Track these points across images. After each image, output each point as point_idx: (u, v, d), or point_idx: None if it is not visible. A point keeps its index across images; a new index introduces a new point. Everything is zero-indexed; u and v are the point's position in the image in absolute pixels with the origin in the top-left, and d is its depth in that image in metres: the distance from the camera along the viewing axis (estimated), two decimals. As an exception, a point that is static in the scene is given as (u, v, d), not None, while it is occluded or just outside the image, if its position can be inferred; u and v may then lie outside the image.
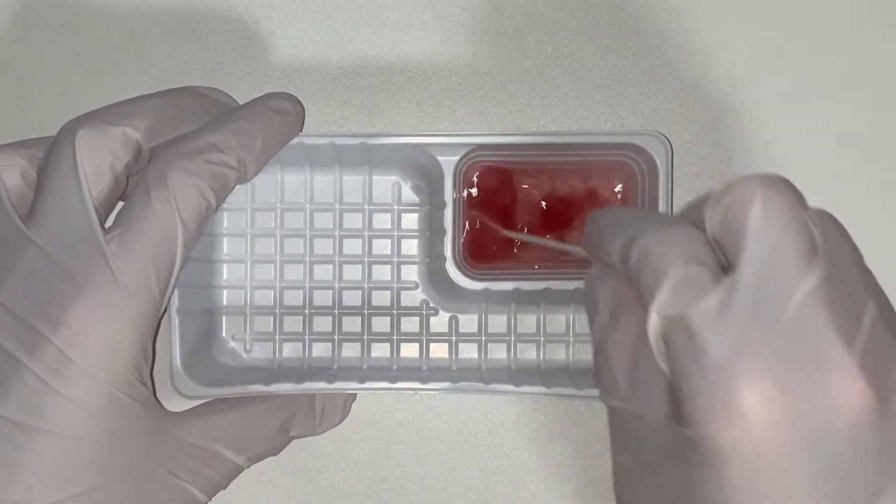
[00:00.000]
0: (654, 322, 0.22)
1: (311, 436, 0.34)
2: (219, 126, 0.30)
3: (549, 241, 0.34)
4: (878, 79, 0.36)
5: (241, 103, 0.33)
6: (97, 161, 0.28)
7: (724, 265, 0.22)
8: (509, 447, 0.36)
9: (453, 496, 0.36)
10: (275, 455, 0.33)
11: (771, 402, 0.20)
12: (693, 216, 0.24)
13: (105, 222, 0.29)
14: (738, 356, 0.21)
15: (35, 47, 0.36)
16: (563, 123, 0.36)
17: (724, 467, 0.21)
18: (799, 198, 0.22)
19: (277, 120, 0.32)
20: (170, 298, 0.29)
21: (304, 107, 0.36)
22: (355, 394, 0.35)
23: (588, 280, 0.27)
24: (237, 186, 0.31)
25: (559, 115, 0.36)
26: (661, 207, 0.33)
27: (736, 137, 0.36)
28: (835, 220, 0.23)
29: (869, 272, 0.23)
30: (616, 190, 0.35)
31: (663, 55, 0.36)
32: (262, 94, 0.34)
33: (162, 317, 0.29)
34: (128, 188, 0.30)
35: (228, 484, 0.32)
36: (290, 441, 0.34)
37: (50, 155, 0.29)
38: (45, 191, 0.28)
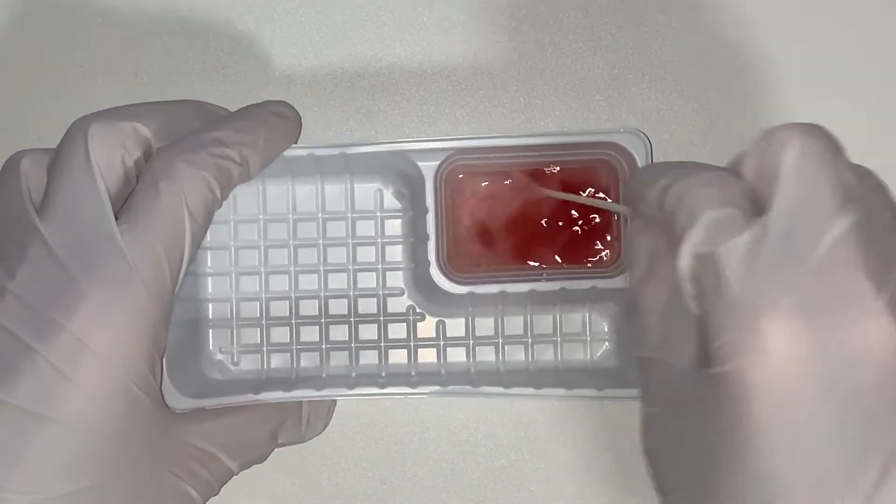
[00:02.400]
0: (685, 260, 0.22)
1: (297, 443, 0.34)
2: (222, 124, 0.30)
3: (589, 200, 0.33)
4: (881, 80, 0.36)
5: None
6: (109, 154, 0.28)
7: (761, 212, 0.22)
8: (509, 447, 0.36)
9: (453, 496, 0.36)
10: (260, 462, 0.33)
11: (797, 338, 0.20)
12: (733, 166, 0.24)
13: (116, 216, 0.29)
14: (765, 293, 0.21)
15: (35, 47, 0.36)
16: (563, 123, 0.36)
17: (748, 404, 0.21)
18: (836, 145, 0.22)
19: (277, 122, 0.32)
20: (179, 291, 0.29)
21: (305, 107, 0.36)
22: (335, 401, 0.35)
23: (628, 234, 0.28)
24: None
25: (559, 115, 0.36)
26: None
27: (736, 138, 0.36)
28: (874, 175, 0.23)
29: None
30: (596, 188, 0.35)
31: (663, 55, 0.36)
32: (263, 94, 0.35)
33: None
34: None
35: (220, 489, 0.32)
36: (275, 448, 0.33)
37: (62, 149, 0.29)
38: (57, 182, 0.28)
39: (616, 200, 0.34)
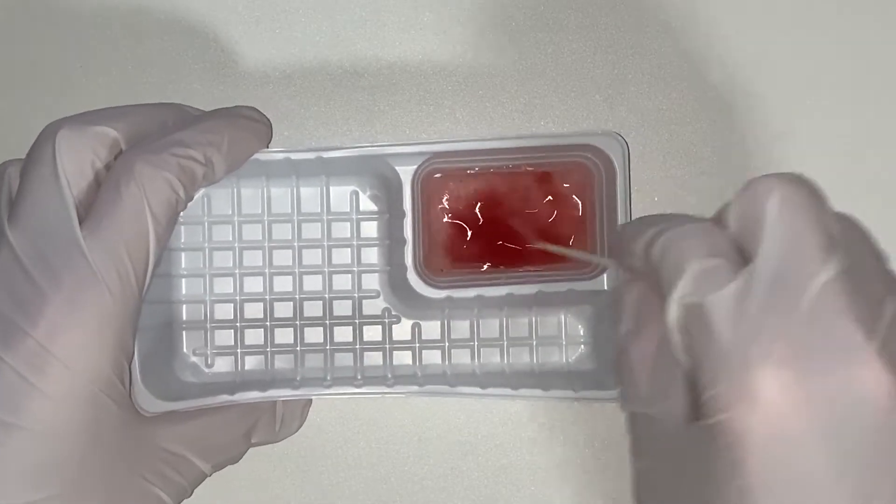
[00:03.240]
0: (673, 312, 0.22)
1: (271, 443, 0.34)
2: (185, 125, 0.30)
3: (577, 253, 0.34)
4: (882, 79, 0.36)
5: (242, 104, 0.34)
6: (78, 159, 0.28)
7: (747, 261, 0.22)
8: (509, 447, 0.36)
9: (453, 496, 0.36)
10: (234, 463, 0.33)
11: (789, 387, 0.20)
12: (717, 218, 0.24)
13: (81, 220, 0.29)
14: (755, 343, 0.21)
15: (35, 47, 0.36)
16: (563, 123, 0.36)
17: (742, 454, 0.20)
18: (817, 194, 0.22)
19: (243, 123, 0.32)
20: (146, 294, 0.29)
21: (305, 107, 0.36)
22: (311, 400, 0.35)
23: (615, 289, 0.27)
24: (193, 200, 0.31)
25: (559, 115, 0.36)
26: (620, 206, 0.33)
27: (736, 138, 0.36)
28: (857, 221, 0.23)
29: (893, 272, 0.23)
30: (574, 191, 0.35)
31: (663, 55, 0.36)
32: (263, 94, 0.35)
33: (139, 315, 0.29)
34: None
35: (192, 492, 0.32)
36: (249, 449, 0.33)
37: (31, 155, 0.29)
38: (25, 188, 0.28)
39: (592, 204, 0.34)
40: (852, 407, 0.20)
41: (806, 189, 0.22)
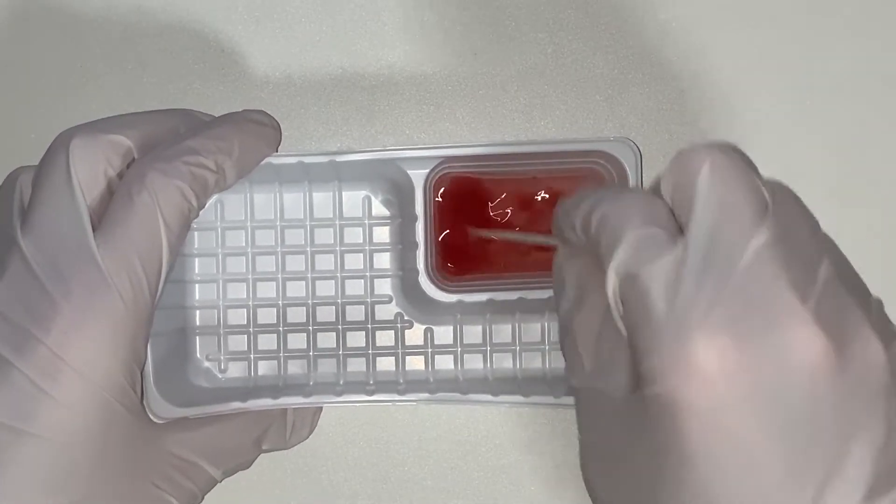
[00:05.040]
0: (612, 282, 0.23)
1: (281, 449, 0.34)
2: (196, 132, 0.30)
3: (519, 235, 0.34)
4: (882, 81, 0.36)
5: (243, 104, 0.34)
6: (91, 167, 0.28)
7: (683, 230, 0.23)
8: (509, 447, 0.36)
9: (453, 496, 0.36)
10: (245, 469, 0.33)
11: (724, 355, 0.20)
12: (653, 188, 0.24)
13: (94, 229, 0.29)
14: (690, 311, 0.21)
15: (35, 47, 0.36)
16: (562, 124, 0.36)
17: (681, 422, 0.21)
18: (748, 163, 0.23)
19: (253, 128, 0.32)
20: (159, 301, 0.29)
21: (305, 107, 0.36)
22: (322, 407, 0.35)
23: (556, 263, 0.27)
24: (206, 207, 0.31)
25: (559, 115, 0.36)
26: None
27: (736, 138, 0.36)
28: (788, 188, 0.23)
29: (826, 237, 0.23)
30: None
31: (663, 55, 0.36)
32: (263, 94, 0.35)
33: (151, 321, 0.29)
34: None
35: (203, 498, 0.32)
36: (259, 455, 0.33)
37: (44, 163, 0.29)
38: (38, 197, 0.28)
39: None
40: (788, 370, 0.20)
41: (736, 157, 0.22)
